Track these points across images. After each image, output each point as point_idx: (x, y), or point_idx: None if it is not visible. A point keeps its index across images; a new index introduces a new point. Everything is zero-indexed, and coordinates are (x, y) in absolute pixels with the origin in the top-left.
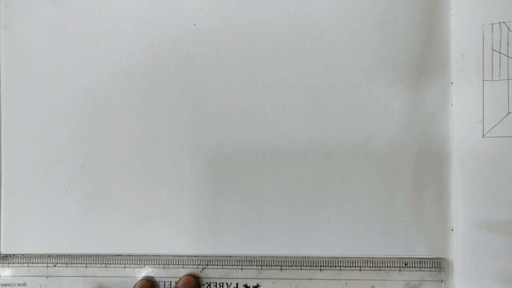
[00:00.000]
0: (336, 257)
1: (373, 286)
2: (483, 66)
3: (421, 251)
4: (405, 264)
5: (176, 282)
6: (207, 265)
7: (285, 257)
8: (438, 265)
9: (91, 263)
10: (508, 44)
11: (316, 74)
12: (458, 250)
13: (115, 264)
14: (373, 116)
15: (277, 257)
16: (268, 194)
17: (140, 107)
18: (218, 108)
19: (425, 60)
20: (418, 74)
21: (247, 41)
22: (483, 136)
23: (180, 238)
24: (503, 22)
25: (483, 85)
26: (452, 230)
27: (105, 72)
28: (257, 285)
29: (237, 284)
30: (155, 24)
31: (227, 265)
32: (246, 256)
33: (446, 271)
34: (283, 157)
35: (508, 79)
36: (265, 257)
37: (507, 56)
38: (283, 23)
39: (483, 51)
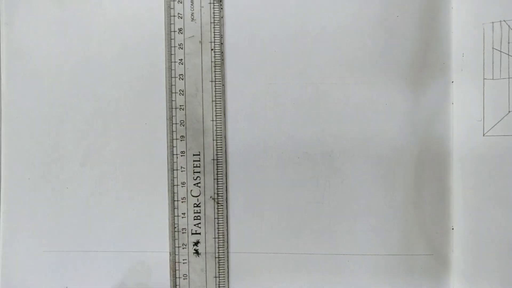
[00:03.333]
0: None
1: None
2: (483, 64)
3: (422, 250)
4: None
5: None
6: None
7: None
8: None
9: None
10: (508, 43)
11: (317, 72)
12: (459, 250)
13: None
14: (374, 114)
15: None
16: (268, 193)
17: (141, 105)
18: None
19: (425, 59)
20: (418, 73)
21: (248, 40)
22: (483, 135)
23: None
24: (504, 20)
25: (483, 84)
26: (453, 229)
27: (106, 71)
28: None
29: None
30: (155, 24)
31: None
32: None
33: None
34: (283, 156)
35: (509, 78)
36: None
37: (508, 54)
38: (284, 22)
39: (483, 49)
